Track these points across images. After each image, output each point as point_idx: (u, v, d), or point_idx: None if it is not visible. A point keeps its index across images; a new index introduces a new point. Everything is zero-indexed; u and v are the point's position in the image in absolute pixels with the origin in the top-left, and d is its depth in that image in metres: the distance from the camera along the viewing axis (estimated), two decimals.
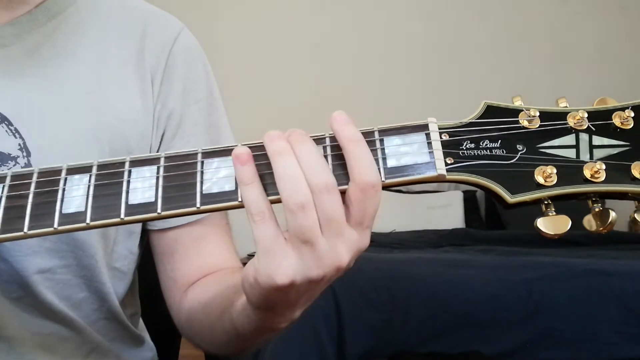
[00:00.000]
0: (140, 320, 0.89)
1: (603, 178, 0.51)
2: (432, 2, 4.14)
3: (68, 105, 0.73)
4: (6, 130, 0.70)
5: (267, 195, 0.51)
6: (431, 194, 3.69)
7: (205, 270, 0.78)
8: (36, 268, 0.71)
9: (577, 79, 3.85)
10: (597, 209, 0.51)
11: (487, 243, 2.89)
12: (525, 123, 0.53)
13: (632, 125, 0.52)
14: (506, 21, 4.08)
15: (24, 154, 0.70)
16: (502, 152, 0.52)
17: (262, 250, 0.50)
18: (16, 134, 0.70)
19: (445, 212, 3.60)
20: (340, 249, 0.49)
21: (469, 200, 3.72)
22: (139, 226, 0.81)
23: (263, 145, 0.52)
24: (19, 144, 0.70)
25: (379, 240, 2.88)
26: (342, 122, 0.50)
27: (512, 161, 0.52)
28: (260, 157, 0.51)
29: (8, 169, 0.63)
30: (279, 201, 0.51)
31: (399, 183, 0.51)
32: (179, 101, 0.80)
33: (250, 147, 0.52)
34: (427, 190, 3.70)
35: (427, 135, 0.52)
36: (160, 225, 0.79)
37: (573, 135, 0.52)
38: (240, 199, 0.51)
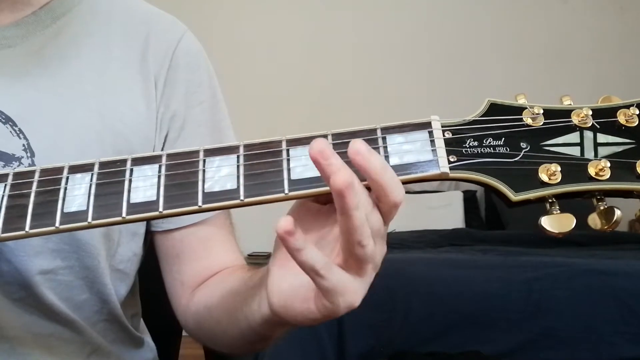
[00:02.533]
0: (141, 321, 0.89)
1: (608, 176, 0.50)
2: (435, 1, 4.15)
3: (72, 107, 0.73)
4: (10, 131, 0.70)
5: (272, 195, 0.50)
6: (431, 193, 3.69)
7: (211, 271, 0.78)
8: (38, 269, 0.71)
9: (577, 77, 3.85)
10: (601, 207, 0.51)
11: (487, 243, 2.89)
12: (529, 121, 0.52)
13: (636, 123, 0.52)
14: (509, 20, 4.09)
15: (28, 154, 0.70)
16: (506, 150, 0.51)
17: (338, 293, 0.49)
18: (20, 135, 0.70)
19: (445, 212, 3.60)
20: (384, 246, 0.52)
21: (469, 200, 3.72)
22: (142, 227, 0.80)
23: (265, 143, 0.52)
24: (24, 145, 0.70)
25: None
26: (364, 153, 0.47)
27: (515, 159, 0.51)
28: (264, 155, 0.52)
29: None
30: (286, 199, 0.51)
31: (402, 181, 0.51)
32: (182, 103, 0.80)
33: (251, 145, 0.52)
34: (427, 190, 3.70)
35: (430, 133, 0.52)
36: (165, 226, 0.79)
37: (577, 133, 0.52)
38: (242, 198, 0.51)
